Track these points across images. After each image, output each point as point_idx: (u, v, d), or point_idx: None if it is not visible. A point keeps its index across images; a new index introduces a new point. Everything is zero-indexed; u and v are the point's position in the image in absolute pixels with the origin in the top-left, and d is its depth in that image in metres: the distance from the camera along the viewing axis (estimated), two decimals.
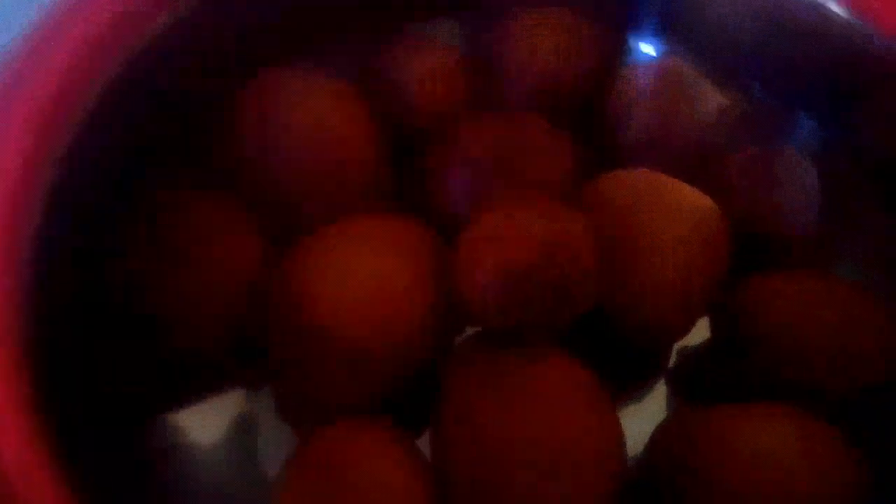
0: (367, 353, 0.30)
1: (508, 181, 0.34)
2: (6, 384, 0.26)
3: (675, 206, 0.34)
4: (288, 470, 0.30)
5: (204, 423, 0.36)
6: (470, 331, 0.35)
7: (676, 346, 0.39)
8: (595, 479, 0.29)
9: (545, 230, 0.30)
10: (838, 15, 0.37)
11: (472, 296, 0.31)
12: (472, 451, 0.29)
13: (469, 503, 0.29)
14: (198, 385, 0.36)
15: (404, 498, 0.28)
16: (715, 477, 0.28)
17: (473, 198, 0.35)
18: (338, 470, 0.28)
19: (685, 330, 0.35)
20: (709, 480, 0.28)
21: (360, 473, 0.28)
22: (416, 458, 0.30)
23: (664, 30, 0.43)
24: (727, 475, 0.28)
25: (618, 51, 0.41)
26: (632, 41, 0.44)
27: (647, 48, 0.44)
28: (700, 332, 0.37)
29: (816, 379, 0.31)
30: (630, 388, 0.38)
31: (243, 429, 0.36)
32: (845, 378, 0.30)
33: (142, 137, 0.36)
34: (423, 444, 0.32)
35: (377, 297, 0.31)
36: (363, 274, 0.31)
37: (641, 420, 0.35)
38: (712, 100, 0.38)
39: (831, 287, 0.32)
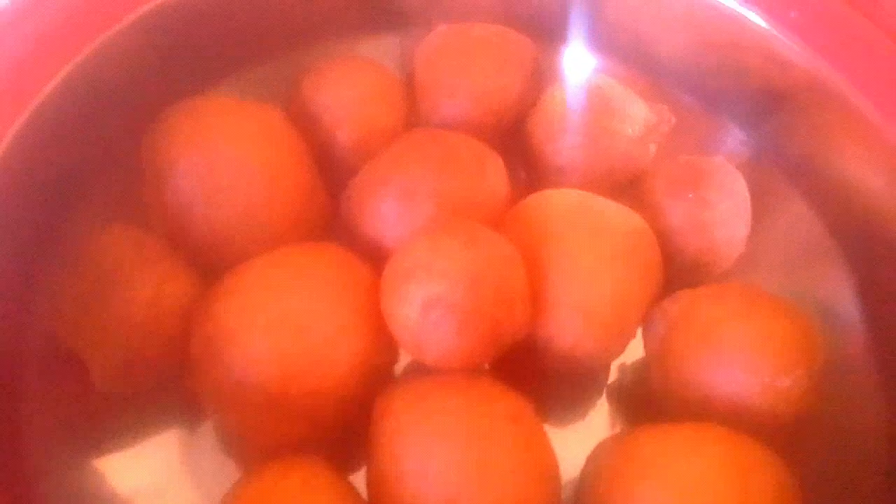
0: (285, 399, 0.29)
1: (437, 205, 0.33)
2: None
3: (602, 227, 0.33)
4: None
5: (141, 463, 0.35)
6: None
7: (616, 362, 0.38)
8: None
9: (469, 260, 0.29)
10: (762, 28, 0.37)
11: (398, 329, 0.31)
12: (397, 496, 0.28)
13: None
14: (131, 424, 0.35)
15: None
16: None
17: (400, 224, 0.33)
18: None
19: (615, 353, 0.34)
20: None
21: None
22: (350, 498, 0.30)
23: (594, 44, 0.43)
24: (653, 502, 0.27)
25: (547, 67, 0.40)
26: (561, 56, 0.44)
27: (577, 62, 0.44)
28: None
29: (735, 394, 0.30)
30: (573, 406, 0.38)
31: (184, 468, 0.35)
32: (770, 394, 0.30)
33: (60, 173, 0.35)
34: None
35: (295, 342, 0.30)
36: (281, 318, 0.30)
37: (586, 437, 0.34)
38: (639, 116, 0.38)
39: (751, 301, 0.32)
